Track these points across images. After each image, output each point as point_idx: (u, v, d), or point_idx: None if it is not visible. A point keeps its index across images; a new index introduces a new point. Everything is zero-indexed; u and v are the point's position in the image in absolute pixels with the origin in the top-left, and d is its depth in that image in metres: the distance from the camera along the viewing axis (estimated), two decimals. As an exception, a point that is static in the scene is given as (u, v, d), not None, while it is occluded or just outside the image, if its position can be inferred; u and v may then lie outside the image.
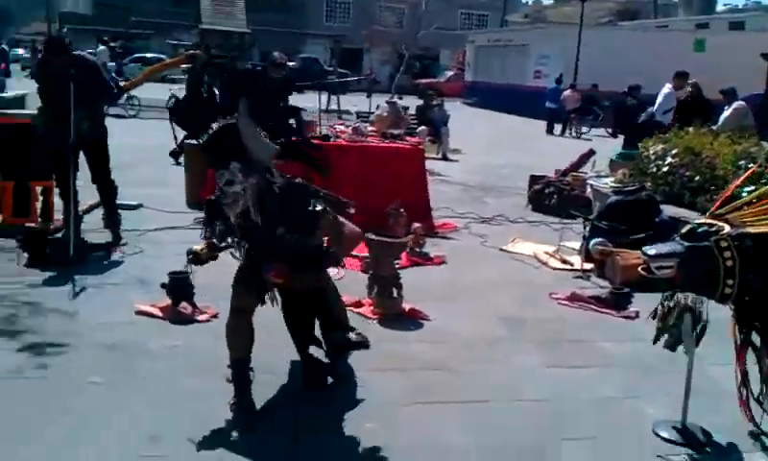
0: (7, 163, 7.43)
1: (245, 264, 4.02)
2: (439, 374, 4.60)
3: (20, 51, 40.45)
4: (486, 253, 7.74)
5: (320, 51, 40.56)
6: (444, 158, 15.34)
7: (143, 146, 12.74)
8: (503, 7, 50.74)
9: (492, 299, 6.15)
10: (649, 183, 8.38)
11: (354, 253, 6.30)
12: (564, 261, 7.35)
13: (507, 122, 27.93)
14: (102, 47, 26.10)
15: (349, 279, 6.11)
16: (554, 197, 9.95)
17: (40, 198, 7.53)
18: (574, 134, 23.68)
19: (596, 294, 6.26)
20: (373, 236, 5.83)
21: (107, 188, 6.92)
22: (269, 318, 4.26)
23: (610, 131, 22.30)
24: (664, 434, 3.92)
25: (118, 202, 8.58)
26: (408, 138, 9.12)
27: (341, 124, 9.28)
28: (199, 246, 4.27)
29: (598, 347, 5.22)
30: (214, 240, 4.04)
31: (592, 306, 6.04)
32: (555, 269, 7.19)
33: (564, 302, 6.15)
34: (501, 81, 35.39)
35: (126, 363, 4.46)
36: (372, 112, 12.91)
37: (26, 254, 6.31)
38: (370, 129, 9.21)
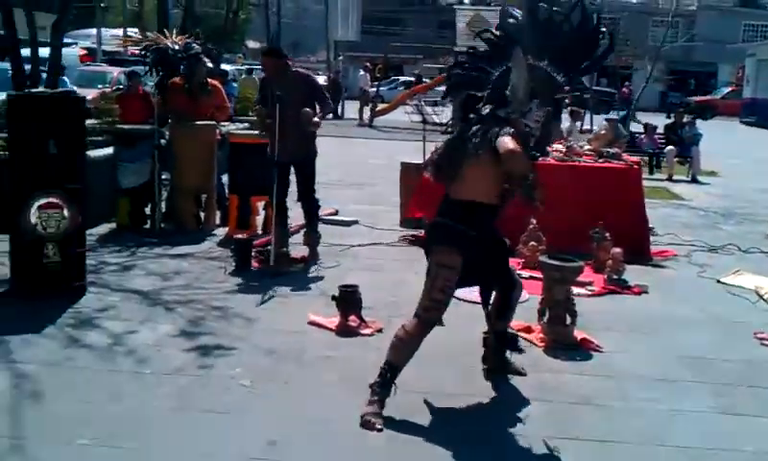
0: (234, 180, 8.18)
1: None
2: (584, 408, 4.31)
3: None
4: (700, 284, 7.08)
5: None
6: (694, 181, 14.30)
7: (375, 164, 13.30)
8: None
9: (682, 334, 5.62)
10: None
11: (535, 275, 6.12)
12: (790, 298, 6.52)
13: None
14: (362, 72, 27.65)
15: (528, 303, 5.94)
16: (800, 226, 8.86)
17: (262, 212, 8.18)
18: None
19: (812, 337, 5.49)
20: (546, 259, 5.61)
21: (309, 205, 7.27)
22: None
23: None
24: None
25: (336, 218, 9.13)
26: (627, 157, 8.60)
27: (559, 141, 8.99)
28: None
29: (786, 396, 4.57)
30: None
31: (801, 350, 5.30)
32: (774, 306, 6.40)
33: (767, 342, 5.46)
34: (786, 97, 32.19)
35: (277, 369, 4.70)
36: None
37: (233, 263, 6.87)
38: (586, 148, 8.83)
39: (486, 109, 4.27)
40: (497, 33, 4.56)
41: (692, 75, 48.10)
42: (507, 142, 3.95)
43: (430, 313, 4.17)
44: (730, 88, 41.68)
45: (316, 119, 6.87)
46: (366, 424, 3.96)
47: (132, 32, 9.32)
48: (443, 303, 4.20)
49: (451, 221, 4.18)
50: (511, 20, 4.53)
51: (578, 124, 12.75)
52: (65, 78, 18.67)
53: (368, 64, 28.61)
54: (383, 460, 3.71)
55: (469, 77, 4.49)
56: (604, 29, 4.44)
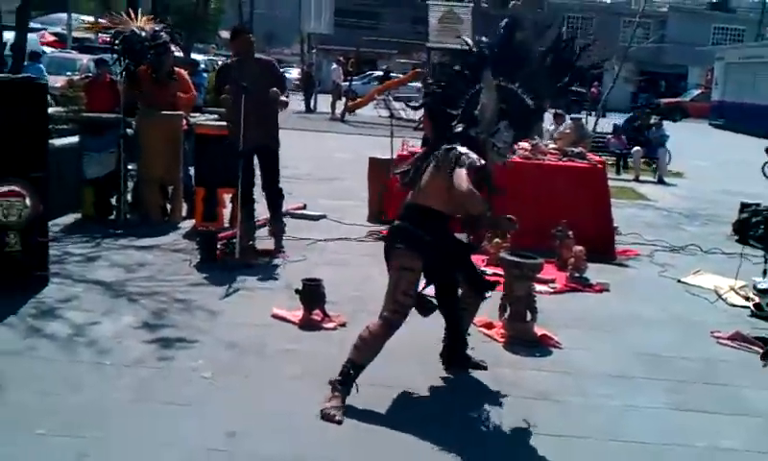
0: (200, 172, 8.14)
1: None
2: (542, 404, 4.38)
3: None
4: (660, 283, 7.20)
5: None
6: (660, 182, 14.49)
7: (345, 159, 13.32)
8: (759, 19, 46.71)
9: (641, 333, 5.73)
10: None
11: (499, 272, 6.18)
12: (748, 298, 6.65)
13: (753, 145, 25.66)
14: (335, 66, 27.60)
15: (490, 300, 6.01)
16: (761, 227, 9.01)
17: (229, 204, 8.14)
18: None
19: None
20: (506, 255, 5.67)
21: (274, 196, 7.26)
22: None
23: None
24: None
25: (304, 212, 9.14)
26: (591, 157, 8.70)
27: (524, 140, 9.07)
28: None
29: (740, 394, 4.69)
30: None
31: (756, 348, 5.41)
32: (733, 306, 6.53)
33: (724, 341, 5.58)
34: (754, 101, 32.62)
35: (239, 362, 4.71)
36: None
37: (198, 256, 6.85)
38: (551, 146, 8.92)
39: (458, 128, 4.32)
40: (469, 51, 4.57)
41: (663, 76, 48.66)
42: (462, 181, 4.03)
43: (395, 316, 4.22)
44: (699, 91, 42.24)
45: (283, 98, 6.86)
46: (326, 417, 3.99)
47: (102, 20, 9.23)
48: (407, 306, 4.25)
49: (411, 225, 4.24)
50: (484, 39, 4.55)
51: (560, 127, 12.90)
52: (41, 65, 18.47)
53: (341, 58, 28.56)
54: (343, 451, 3.74)
55: (445, 95, 4.53)
56: (578, 49, 4.48)
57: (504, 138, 4.28)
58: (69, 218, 8.12)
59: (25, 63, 18.06)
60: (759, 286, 6.34)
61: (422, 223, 4.23)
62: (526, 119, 4.40)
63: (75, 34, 27.74)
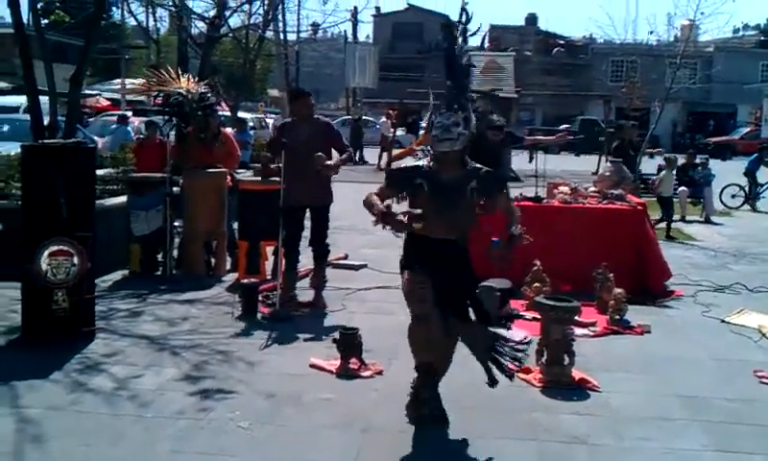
0: (243, 226, 8.34)
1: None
2: (578, 447, 4.36)
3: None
4: (703, 324, 7.10)
5: (600, 113, 39.83)
6: (707, 221, 14.29)
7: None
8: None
9: (681, 373, 5.65)
10: None
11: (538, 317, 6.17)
12: (793, 336, 6.52)
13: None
14: (384, 119, 27.96)
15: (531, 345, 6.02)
16: (809, 264, 8.84)
17: (271, 257, 8.30)
18: None
19: (812, 375, 5.49)
20: (542, 299, 5.68)
21: (320, 250, 7.38)
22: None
23: None
24: None
25: (345, 262, 9.25)
26: (631, 198, 8.67)
27: (564, 184, 9.10)
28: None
29: (782, 434, 4.58)
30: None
31: (799, 388, 5.30)
32: (778, 344, 6.40)
33: (767, 380, 5.47)
34: (804, 136, 32.04)
35: (276, 411, 4.79)
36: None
37: (240, 308, 6.99)
38: (591, 189, 8.92)
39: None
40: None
41: (711, 115, 48.08)
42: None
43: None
44: (748, 128, 41.59)
45: (329, 162, 7.04)
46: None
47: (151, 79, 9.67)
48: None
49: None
50: None
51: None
52: (129, 128, 19.23)
53: (390, 112, 28.88)
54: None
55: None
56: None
57: (437, 124, 4.48)
58: (117, 275, 8.37)
59: (114, 126, 18.91)
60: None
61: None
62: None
63: (128, 97, 28.72)
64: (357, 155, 28.36)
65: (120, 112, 19.92)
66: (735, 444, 4.44)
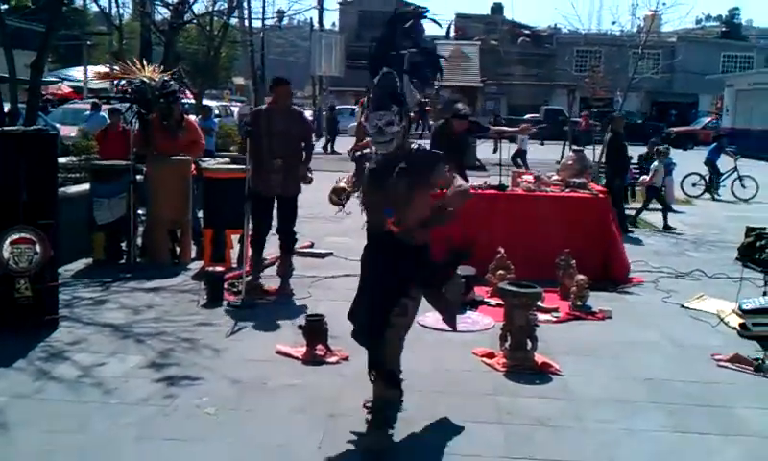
0: (208, 214, 8.31)
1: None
2: (540, 429, 4.44)
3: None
4: (664, 309, 7.24)
5: (565, 102, 40.15)
6: (668, 209, 14.47)
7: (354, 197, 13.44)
8: (768, 46, 46.78)
9: (642, 358, 5.77)
10: None
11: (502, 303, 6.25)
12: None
13: (764, 170, 25.64)
14: (358, 108, 27.96)
15: (492, 330, 6.13)
16: (765, 251, 9.04)
17: (237, 245, 8.28)
18: None
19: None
20: (506, 286, 5.76)
21: (288, 238, 7.41)
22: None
23: None
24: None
25: (311, 251, 9.26)
26: (593, 187, 8.78)
27: (528, 173, 9.21)
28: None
29: (737, 414, 4.73)
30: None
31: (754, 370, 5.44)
32: (734, 329, 6.55)
33: (723, 363, 5.61)
34: (765, 126, 32.59)
35: (242, 397, 4.80)
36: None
37: (206, 296, 6.97)
38: (554, 178, 9.02)
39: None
40: None
41: (673, 105, 48.74)
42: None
43: None
44: (709, 119, 42.22)
45: (310, 176, 7.27)
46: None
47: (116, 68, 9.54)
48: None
49: None
50: None
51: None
52: (103, 114, 18.92)
53: (363, 101, 28.88)
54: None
55: None
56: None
57: (370, 122, 4.30)
58: (80, 263, 8.30)
59: (88, 113, 18.62)
60: (744, 307, 6.40)
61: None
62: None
63: (91, 85, 28.34)
64: (330, 145, 28.41)
65: (93, 100, 19.68)
66: (693, 424, 4.56)
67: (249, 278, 7.16)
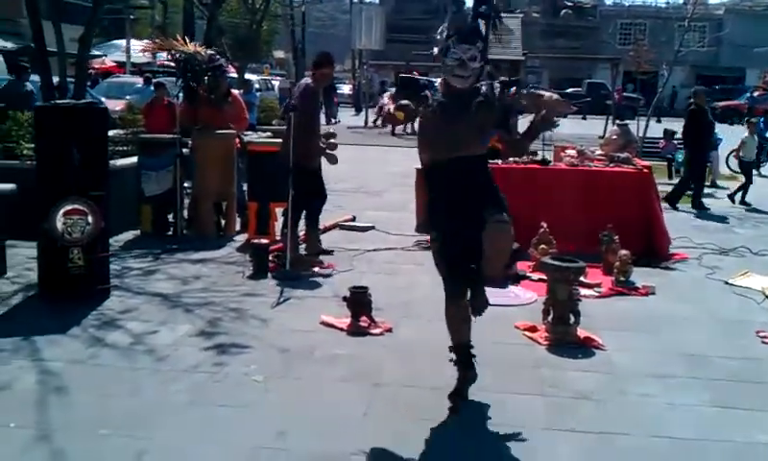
0: (253, 187, 8.44)
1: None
2: (583, 403, 4.48)
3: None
4: (707, 285, 7.20)
5: (608, 76, 39.59)
6: (713, 185, 14.31)
7: (394, 172, 13.52)
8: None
9: (685, 333, 5.76)
10: None
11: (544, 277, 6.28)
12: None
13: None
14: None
15: (534, 305, 6.17)
16: (813, 228, 8.92)
17: (281, 218, 8.39)
18: None
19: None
20: (548, 260, 5.78)
21: (310, 211, 7.58)
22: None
23: None
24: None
25: (353, 224, 9.37)
26: (638, 162, 8.72)
27: (571, 147, 9.16)
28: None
29: (781, 391, 4.70)
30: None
31: (800, 348, 5.41)
32: (780, 305, 6.51)
33: (768, 340, 5.59)
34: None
35: (289, 366, 4.92)
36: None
37: (251, 268, 7.10)
38: (597, 153, 8.98)
39: None
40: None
41: (720, 79, 47.73)
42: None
43: None
44: (757, 92, 41.29)
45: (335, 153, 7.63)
46: None
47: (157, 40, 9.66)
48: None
49: None
50: None
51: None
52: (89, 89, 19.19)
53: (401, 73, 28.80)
54: (385, 447, 3.89)
55: None
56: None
57: (453, 54, 4.18)
58: (128, 234, 8.49)
59: (139, 85, 18.86)
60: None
61: None
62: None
63: (134, 59, 28.62)
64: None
65: (146, 74, 19.95)
66: (736, 400, 4.56)
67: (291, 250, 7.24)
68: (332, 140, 7.66)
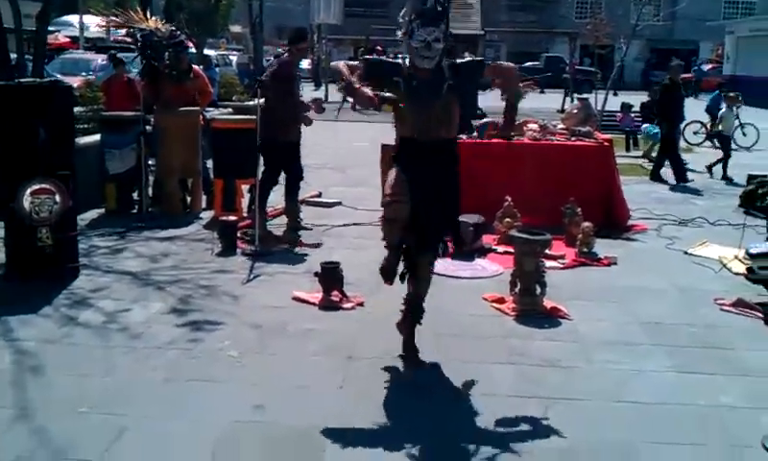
0: (218, 164, 8.42)
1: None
2: (551, 370, 4.63)
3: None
4: (667, 256, 7.42)
5: (566, 50, 39.94)
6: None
7: (359, 147, 13.56)
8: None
9: (647, 303, 5.94)
10: None
11: (510, 250, 6.42)
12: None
13: (765, 118, 25.65)
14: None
15: (502, 276, 6.30)
16: (767, 198, 9.18)
17: (247, 195, 8.40)
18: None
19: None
20: (516, 233, 5.91)
21: (290, 185, 7.58)
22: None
23: None
24: (771, 448, 3.68)
25: (319, 200, 9.41)
26: (598, 135, 8.89)
27: (533, 121, 9.29)
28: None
29: (738, 356, 4.92)
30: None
31: (757, 314, 5.62)
32: (737, 274, 6.71)
33: (726, 308, 5.79)
34: (765, 75, 32.47)
35: (263, 341, 4.98)
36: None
37: (220, 245, 7.12)
38: (559, 127, 9.12)
39: None
40: None
41: (674, 53, 48.34)
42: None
43: None
44: (710, 66, 42.03)
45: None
46: None
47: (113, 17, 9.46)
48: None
49: None
50: None
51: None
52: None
53: (361, 47, 28.66)
54: (358, 419, 3.99)
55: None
56: None
57: (418, 37, 4.31)
58: (93, 213, 8.44)
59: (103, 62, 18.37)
60: (751, 251, 6.52)
61: None
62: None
63: (87, 34, 28.08)
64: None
65: (112, 51, 19.55)
66: (697, 366, 4.75)
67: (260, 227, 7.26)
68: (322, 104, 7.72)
